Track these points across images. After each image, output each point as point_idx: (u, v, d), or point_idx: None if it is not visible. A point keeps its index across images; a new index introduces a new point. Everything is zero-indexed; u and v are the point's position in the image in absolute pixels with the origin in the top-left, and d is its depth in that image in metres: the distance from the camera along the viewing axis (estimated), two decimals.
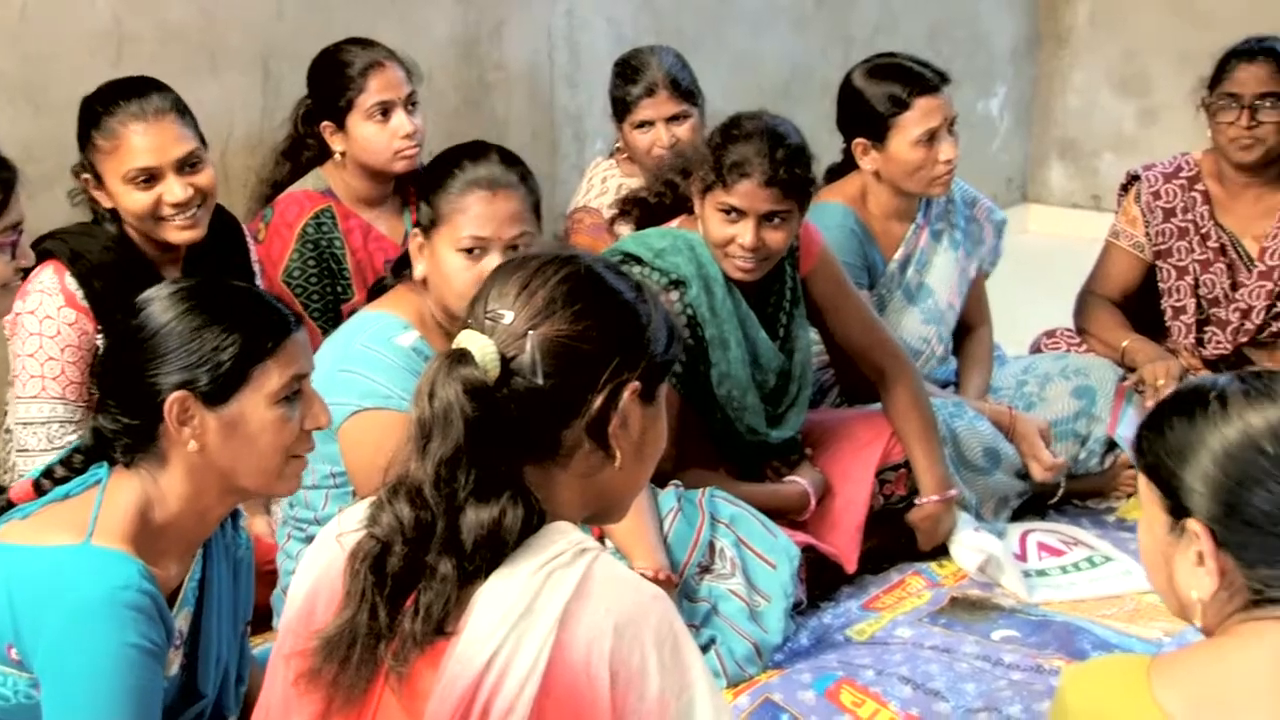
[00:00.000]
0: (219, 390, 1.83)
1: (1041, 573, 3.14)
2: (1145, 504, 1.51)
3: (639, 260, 2.88)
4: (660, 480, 2.82)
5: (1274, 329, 3.60)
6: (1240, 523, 1.40)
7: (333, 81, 3.19)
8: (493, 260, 2.46)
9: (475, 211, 2.50)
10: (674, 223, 2.99)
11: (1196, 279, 3.64)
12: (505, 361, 1.51)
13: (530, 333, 1.51)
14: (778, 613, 2.73)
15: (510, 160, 2.58)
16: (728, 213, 2.83)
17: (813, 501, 3.01)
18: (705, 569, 2.75)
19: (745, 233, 2.82)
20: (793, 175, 2.79)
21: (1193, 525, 1.44)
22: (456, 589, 1.48)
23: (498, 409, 1.50)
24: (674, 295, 2.85)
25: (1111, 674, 1.47)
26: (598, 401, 1.53)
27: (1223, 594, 1.44)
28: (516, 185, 2.54)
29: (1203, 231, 3.62)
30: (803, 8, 4.96)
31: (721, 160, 2.80)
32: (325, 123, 3.21)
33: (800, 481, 3.03)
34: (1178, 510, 1.46)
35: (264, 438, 1.85)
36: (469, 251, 2.50)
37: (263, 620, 2.48)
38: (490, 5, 3.98)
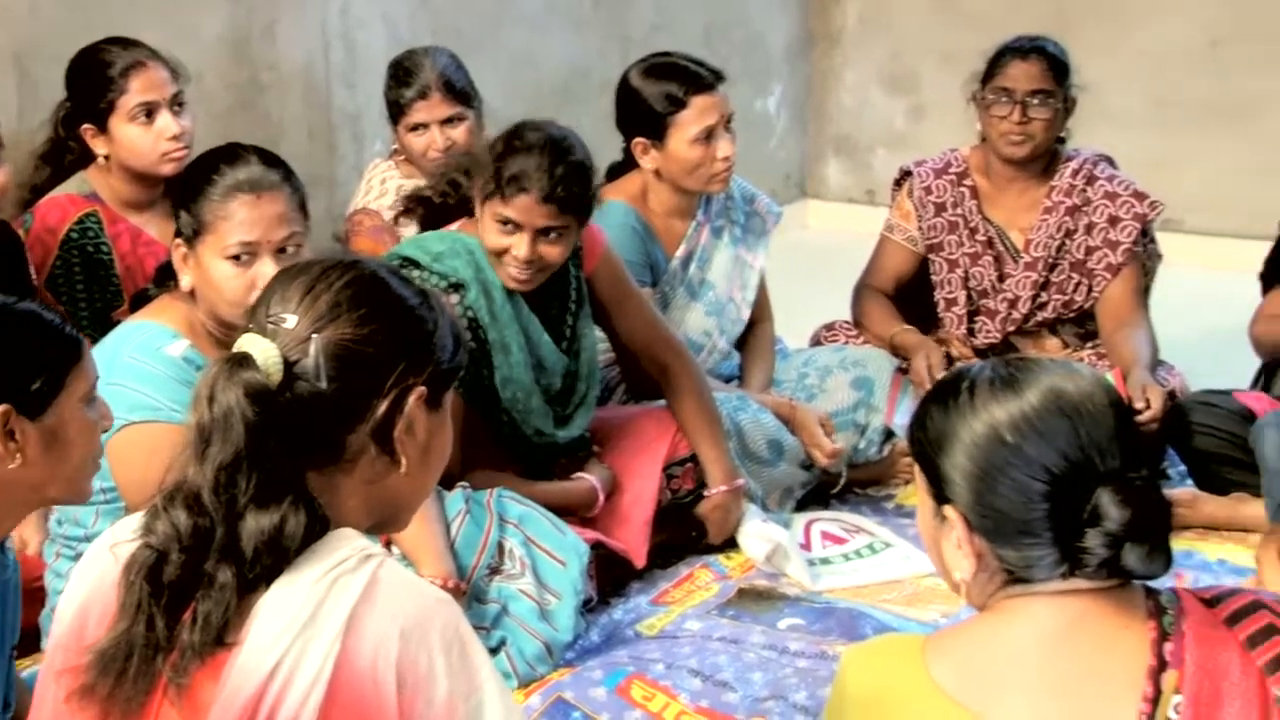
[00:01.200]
0: (39, 400, 1.80)
1: (825, 561, 3.20)
2: (919, 490, 1.56)
3: (417, 264, 2.84)
4: (448, 482, 2.79)
5: (1039, 318, 3.73)
6: (989, 509, 1.44)
7: (92, 83, 3.08)
8: (265, 264, 2.42)
9: (241, 217, 2.44)
10: (454, 225, 2.96)
11: (966, 271, 3.75)
12: (288, 365, 1.49)
13: (314, 336, 1.49)
14: (568, 611, 2.73)
15: (271, 161, 2.52)
16: (504, 223, 2.81)
17: (600, 497, 3.02)
18: (494, 570, 2.73)
19: (520, 246, 2.81)
20: (571, 193, 2.78)
21: (950, 512, 1.48)
22: (236, 598, 1.45)
23: (280, 413, 1.47)
24: (453, 299, 2.82)
25: (888, 653, 1.51)
26: (383, 406, 1.52)
27: (983, 575, 1.48)
28: (280, 185, 2.48)
29: (971, 225, 3.74)
30: (580, 8, 4.97)
31: (501, 171, 2.78)
32: (86, 125, 3.10)
33: (587, 478, 3.03)
34: (940, 497, 1.50)
35: (80, 443, 1.85)
36: (237, 258, 2.44)
37: (31, 642, 2.38)
38: (261, 3, 3.89)
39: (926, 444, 1.50)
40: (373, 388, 1.52)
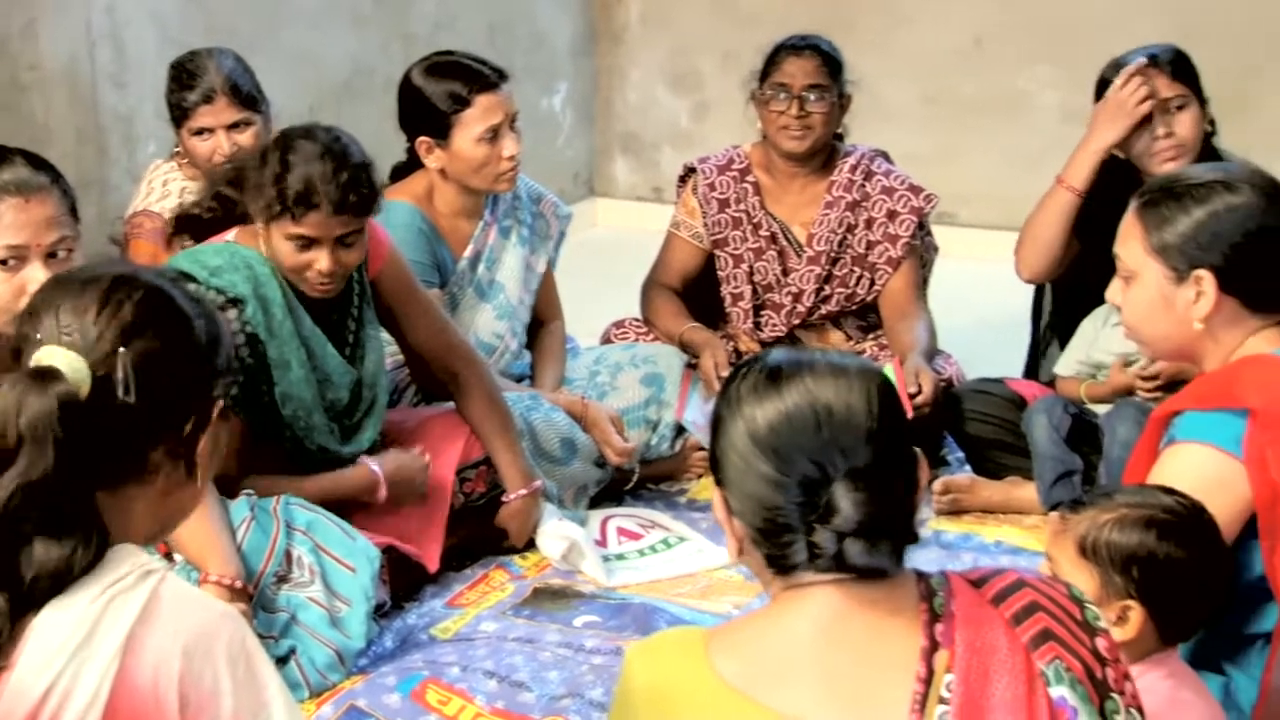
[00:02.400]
0: None
1: (620, 556, 3.22)
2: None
3: (193, 278, 2.76)
4: (230, 490, 2.73)
5: (823, 311, 3.80)
6: (746, 496, 1.48)
7: None
8: (34, 269, 2.35)
9: (8, 220, 2.36)
10: (230, 234, 2.88)
11: (751, 266, 3.81)
12: (96, 379, 1.46)
13: (121, 350, 1.46)
14: (359, 617, 2.70)
15: (38, 163, 2.44)
16: (300, 240, 2.76)
17: (380, 481, 2.92)
18: (282, 578, 2.68)
19: (322, 259, 2.76)
20: (361, 195, 2.74)
21: (717, 494, 1.53)
22: (9, 622, 1.40)
23: (87, 429, 1.44)
24: (231, 314, 2.75)
25: (671, 647, 1.52)
26: (188, 419, 1.52)
27: (752, 561, 1.52)
28: (49, 188, 2.41)
29: (755, 221, 3.80)
30: (360, 6, 4.90)
31: (285, 191, 2.71)
32: None
33: (365, 462, 2.94)
34: (717, 479, 1.55)
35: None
36: (4, 263, 2.36)
37: None
38: (18, 0, 3.74)
39: (712, 428, 1.54)
40: (179, 401, 1.52)
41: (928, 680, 1.42)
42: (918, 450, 1.51)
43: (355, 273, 2.94)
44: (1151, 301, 2.20)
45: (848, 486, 1.42)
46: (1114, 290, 2.28)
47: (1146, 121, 3.27)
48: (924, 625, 1.44)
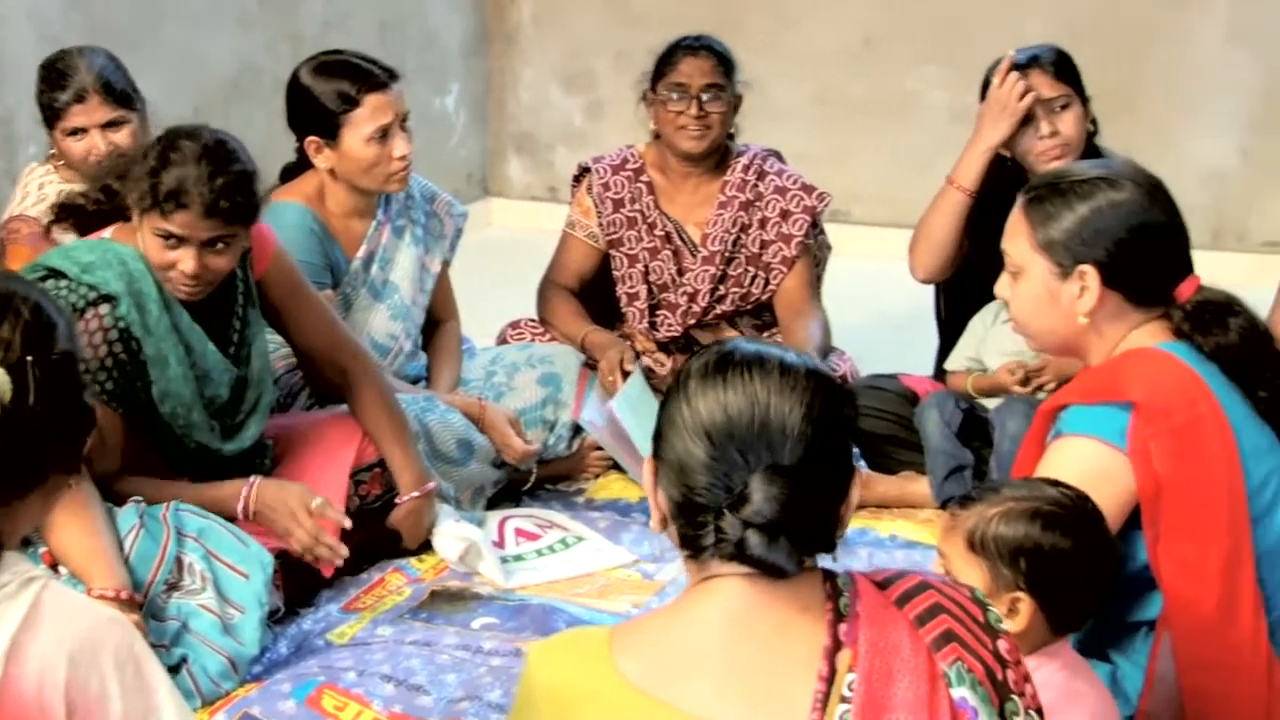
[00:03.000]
0: None
1: (518, 557, 3.21)
2: None
3: (63, 275, 2.70)
4: (116, 497, 2.68)
5: (718, 310, 3.82)
6: (673, 470, 1.49)
7: None
8: None
9: None
10: (107, 232, 2.83)
11: (646, 266, 3.81)
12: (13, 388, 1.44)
13: (29, 359, 1.45)
14: (253, 623, 2.66)
15: None
16: (167, 238, 2.71)
17: (239, 507, 2.83)
18: (173, 586, 2.64)
19: (187, 260, 2.71)
20: (235, 202, 2.68)
21: (647, 464, 1.54)
22: None
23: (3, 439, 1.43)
24: (103, 310, 2.70)
25: (573, 647, 1.52)
26: (85, 424, 1.52)
27: (673, 537, 1.52)
28: None
29: (649, 220, 3.81)
30: (246, 5, 4.84)
31: (158, 186, 2.66)
32: None
33: (242, 486, 2.85)
34: (655, 449, 1.55)
35: None
36: None
37: None
38: None
39: (664, 398, 1.55)
40: (78, 406, 1.51)
41: (830, 679, 1.42)
42: (858, 467, 1.53)
43: (240, 272, 2.89)
44: (1038, 296, 2.23)
45: (764, 480, 1.42)
46: (1002, 285, 2.31)
47: (1030, 121, 3.32)
48: (828, 624, 1.45)
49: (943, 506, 3.32)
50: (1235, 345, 2.16)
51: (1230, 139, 5.33)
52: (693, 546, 1.47)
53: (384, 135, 3.29)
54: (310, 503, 2.84)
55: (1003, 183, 3.25)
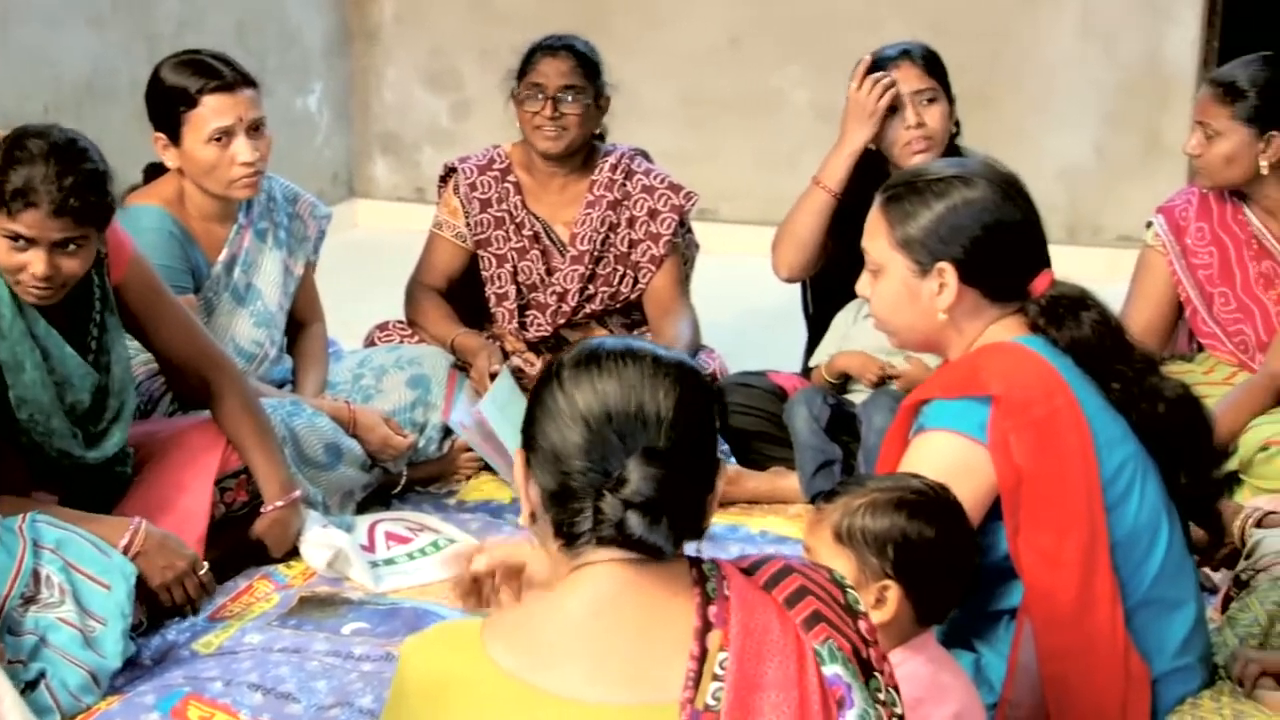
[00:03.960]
0: None
1: (390, 561, 3.18)
2: None
3: None
4: None
5: (588, 310, 3.82)
6: (546, 459, 1.51)
7: None
8: None
9: None
10: None
11: (515, 266, 3.80)
12: None
13: None
14: (115, 636, 2.59)
15: None
16: (15, 240, 2.63)
17: (129, 540, 2.75)
18: (30, 599, 2.56)
19: (37, 262, 2.63)
20: (86, 202, 2.62)
21: (516, 456, 1.56)
22: None
23: None
24: None
25: (446, 638, 1.53)
26: None
27: (542, 529, 1.54)
28: None
29: (517, 220, 3.79)
30: (99, 4, 4.73)
31: (4, 186, 2.59)
32: None
33: (129, 526, 2.77)
34: (525, 441, 1.57)
35: None
36: None
37: None
38: None
39: (535, 391, 1.56)
40: None
41: (701, 658, 1.45)
42: (722, 458, 1.56)
43: (96, 277, 2.82)
44: (898, 294, 2.26)
45: (642, 461, 1.45)
46: (863, 284, 2.34)
47: (896, 112, 3.38)
48: (698, 607, 1.48)
49: (812, 501, 3.36)
50: (1088, 338, 2.21)
51: (1085, 136, 5.46)
52: (568, 534, 1.49)
53: (224, 138, 3.21)
54: (199, 570, 2.83)
55: (866, 182, 3.30)
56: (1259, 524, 2.81)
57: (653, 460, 1.45)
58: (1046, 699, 2.14)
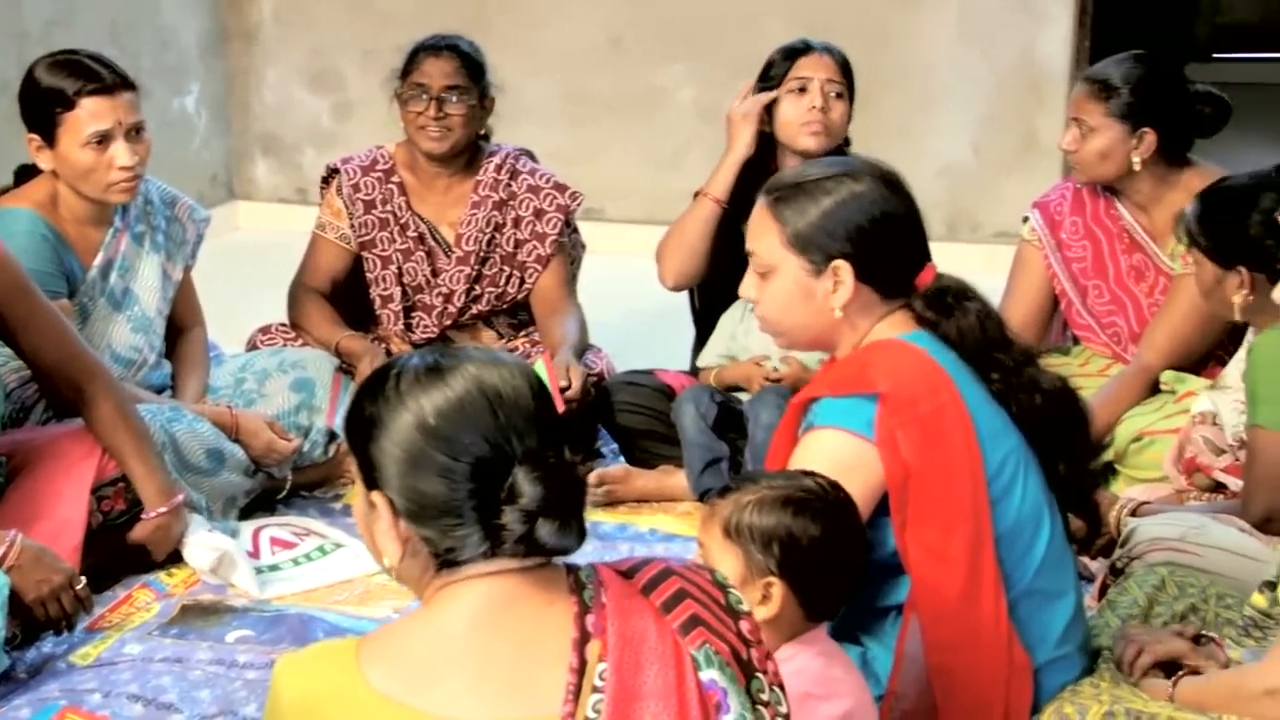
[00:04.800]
0: None
1: (274, 567, 3.15)
2: (356, 478, 1.57)
3: None
4: None
5: (474, 311, 3.80)
6: (414, 493, 1.47)
7: None
8: None
9: None
10: None
11: (400, 267, 3.77)
12: None
13: None
14: None
15: None
16: None
17: (3, 554, 2.67)
18: None
19: None
20: None
21: (377, 498, 1.50)
22: None
23: None
24: None
25: (320, 659, 1.49)
26: None
27: (412, 561, 1.50)
28: None
29: (402, 221, 3.76)
30: None
31: None
32: None
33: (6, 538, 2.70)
34: (369, 482, 1.52)
35: None
36: None
37: None
38: None
39: (358, 432, 1.51)
40: None
41: (580, 670, 1.43)
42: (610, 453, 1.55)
43: None
44: (790, 293, 2.25)
45: (529, 467, 1.43)
46: (748, 286, 2.31)
47: (803, 92, 3.42)
48: (575, 617, 1.46)
49: (701, 498, 3.38)
50: (973, 327, 2.23)
51: (964, 135, 5.55)
52: (452, 561, 1.46)
53: (103, 141, 3.15)
54: (76, 584, 2.73)
55: (749, 184, 3.32)
56: (1134, 513, 2.87)
57: (537, 463, 1.44)
58: (933, 690, 2.17)
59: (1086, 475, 2.32)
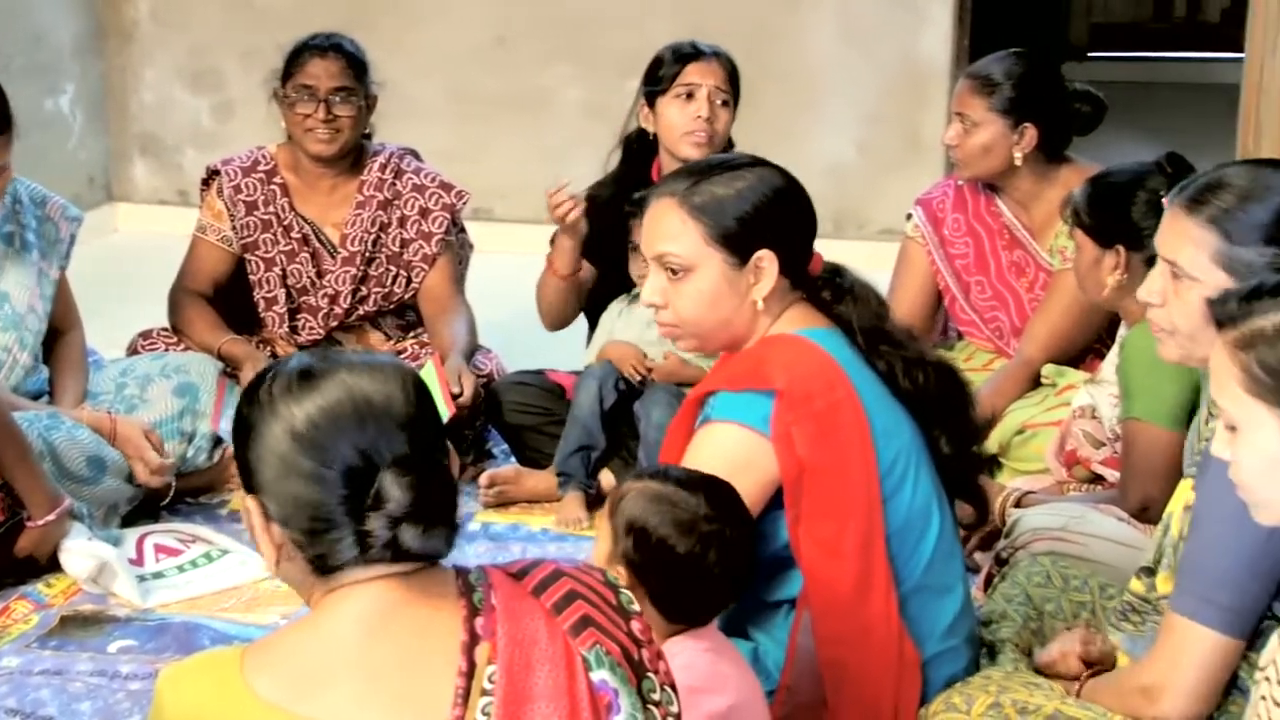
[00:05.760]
0: None
1: (159, 575, 3.10)
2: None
3: None
4: None
5: (361, 312, 3.76)
6: (286, 498, 1.46)
7: None
8: None
9: None
10: None
11: (284, 269, 3.72)
12: None
13: None
14: None
15: None
16: None
17: None
18: None
19: None
20: None
21: (250, 502, 1.50)
22: None
23: None
24: None
25: (203, 669, 1.47)
26: None
27: (290, 565, 1.49)
28: None
29: (285, 223, 3.72)
30: None
31: None
32: None
33: None
34: (248, 487, 1.51)
35: None
36: None
37: None
38: None
39: (236, 437, 1.51)
40: None
41: (469, 674, 1.43)
42: (448, 444, 1.53)
43: None
44: (714, 291, 2.22)
45: (396, 473, 1.42)
46: (652, 292, 2.27)
47: (690, 99, 3.40)
48: (464, 620, 1.45)
49: (559, 475, 3.39)
50: (865, 303, 2.27)
51: (847, 134, 5.61)
52: (326, 566, 1.45)
53: None
54: None
55: (633, 185, 3.35)
56: (1018, 504, 2.93)
57: (406, 468, 1.42)
58: (825, 684, 2.19)
59: (972, 458, 2.35)
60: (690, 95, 3.44)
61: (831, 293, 2.27)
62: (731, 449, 2.17)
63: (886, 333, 2.28)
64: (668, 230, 2.24)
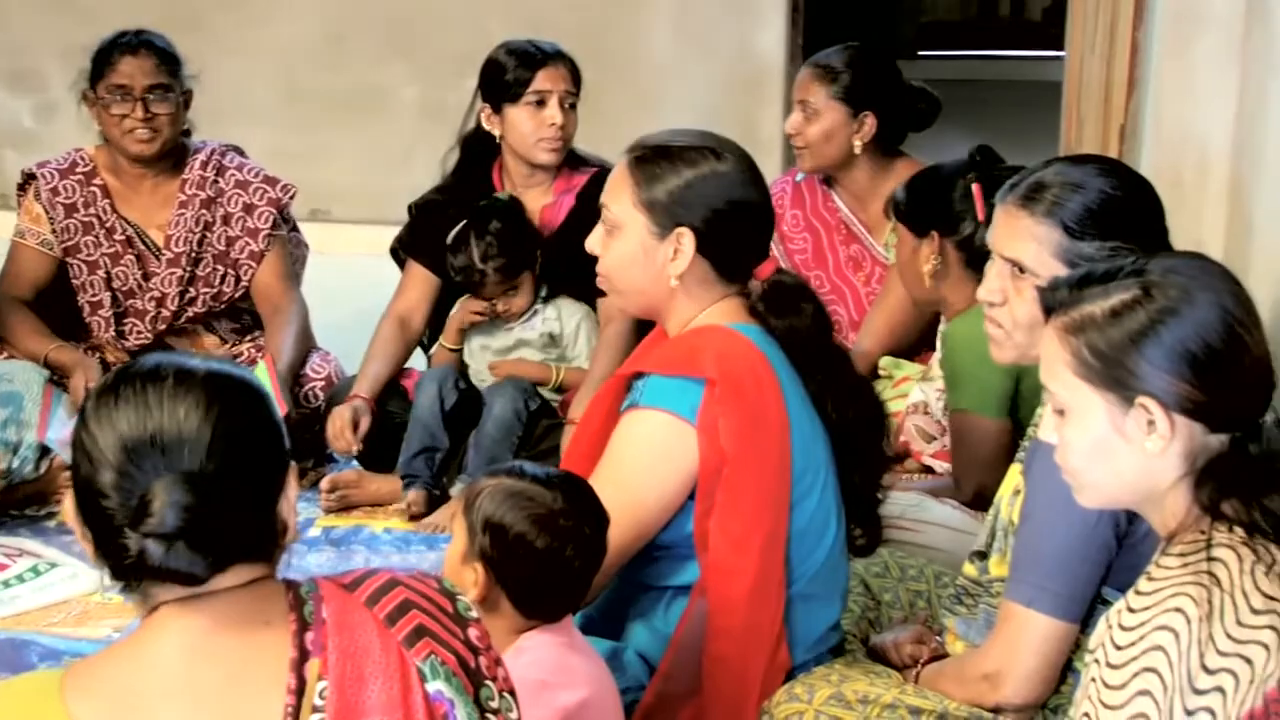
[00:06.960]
0: None
1: None
2: None
3: None
4: None
5: (190, 314, 3.69)
6: (92, 497, 1.40)
7: None
8: None
9: None
10: None
11: (109, 272, 3.63)
12: None
13: None
14: None
15: None
16: None
17: None
18: None
19: None
20: None
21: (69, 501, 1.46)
22: None
23: None
24: None
25: (21, 693, 1.42)
26: None
27: (116, 582, 1.44)
28: None
29: (107, 225, 3.63)
30: None
31: None
32: None
33: None
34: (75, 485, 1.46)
35: None
36: None
37: None
38: None
39: (76, 425, 1.45)
40: None
41: (299, 691, 1.39)
42: (292, 463, 1.47)
43: None
44: (633, 254, 2.24)
45: (163, 488, 1.36)
46: (594, 241, 2.30)
47: (542, 106, 3.38)
48: (293, 635, 1.41)
49: (403, 479, 3.36)
50: (806, 329, 2.26)
51: None
52: (118, 575, 1.40)
53: None
54: None
55: (476, 194, 3.37)
56: None
57: (176, 485, 1.36)
58: (704, 676, 2.18)
59: (876, 487, 2.36)
60: (542, 103, 3.41)
61: (768, 306, 2.27)
62: (656, 435, 2.17)
63: (822, 360, 2.28)
64: (614, 185, 2.28)
